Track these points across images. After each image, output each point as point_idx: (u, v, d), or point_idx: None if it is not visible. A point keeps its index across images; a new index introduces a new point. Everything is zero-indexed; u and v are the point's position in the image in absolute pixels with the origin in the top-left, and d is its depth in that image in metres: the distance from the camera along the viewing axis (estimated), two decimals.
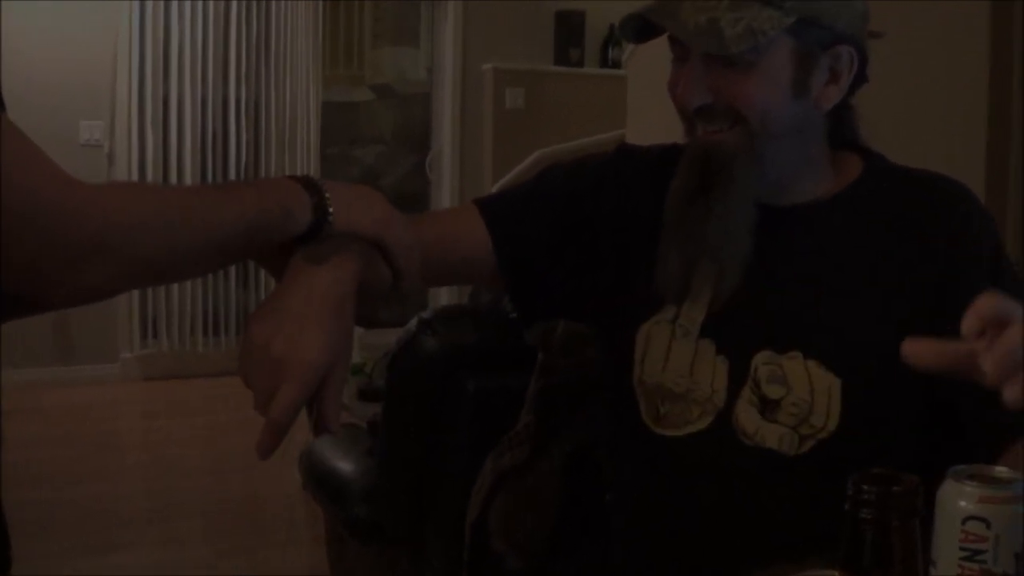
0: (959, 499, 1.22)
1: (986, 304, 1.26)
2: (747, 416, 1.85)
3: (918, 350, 1.35)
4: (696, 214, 1.84)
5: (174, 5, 8.48)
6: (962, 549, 1.21)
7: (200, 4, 8.55)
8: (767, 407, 1.85)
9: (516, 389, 2.43)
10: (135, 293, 8.32)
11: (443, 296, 8.86)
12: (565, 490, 2.34)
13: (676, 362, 1.90)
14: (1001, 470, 1.25)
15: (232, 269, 8.69)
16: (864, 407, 1.83)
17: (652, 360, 1.92)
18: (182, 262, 1.44)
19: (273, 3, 8.82)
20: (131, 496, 6.04)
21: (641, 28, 1.84)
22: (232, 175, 8.78)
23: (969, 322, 1.24)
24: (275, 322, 1.49)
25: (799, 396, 1.83)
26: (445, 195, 9.88)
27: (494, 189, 9.05)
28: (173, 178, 8.56)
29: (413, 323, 2.87)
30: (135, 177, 8.40)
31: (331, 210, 1.53)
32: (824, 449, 1.82)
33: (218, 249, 1.46)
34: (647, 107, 7.17)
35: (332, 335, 1.49)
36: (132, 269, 1.37)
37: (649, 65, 7.01)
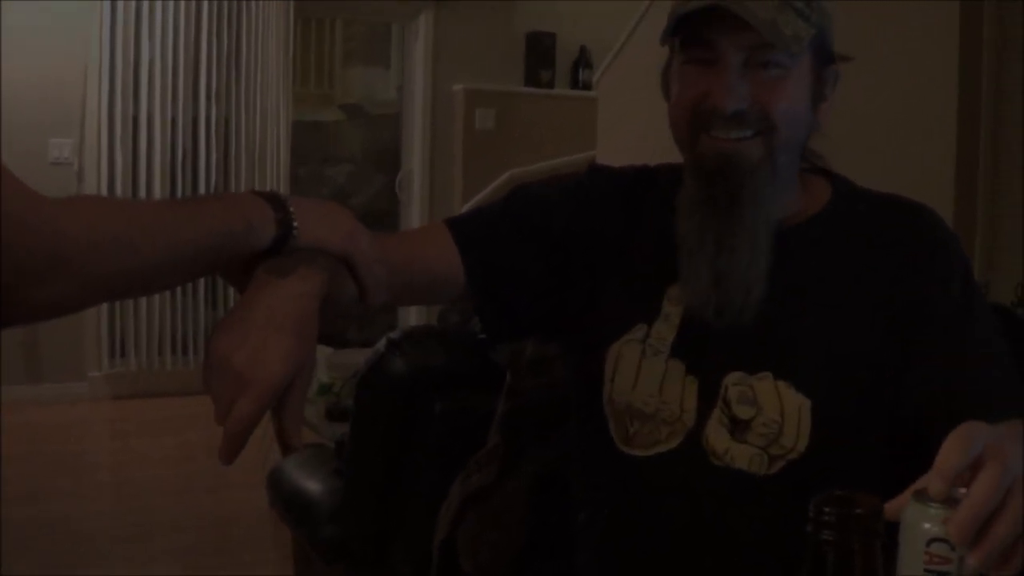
0: (923, 521, 1.22)
1: (947, 463, 1.23)
2: (717, 436, 1.85)
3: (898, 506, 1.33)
4: (723, 224, 1.83)
5: (144, 23, 8.47)
6: (926, 571, 1.21)
7: (171, 22, 8.53)
8: (737, 427, 1.84)
9: (484, 410, 2.43)
10: (103, 311, 8.30)
11: (412, 317, 8.86)
12: (533, 511, 2.34)
13: (646, 382, 1.90)
14: (965, 492, 1.25)
15: (200, 287, 8.68)
16: (834, 429, 1.83)
17: (622, 379, 1.92)
18: (145, 277, 1.44)
19: (244, 22, 8.81)
20: (99, 515, 6.01)
21: (692, 27, 1.80)
22: (202, 194, 8.73)
23: (936, 487, 1.23)
24: (238, 334, 1.47)
25: (769, 417, 1.83)
26: (415, 215, 9.88)
27: (464, 210, 9.05)
28: (143, 196, 8.50)
29: (381, 344, 2.87)
30: (104, 195, 8.37)
31: (296, 224, 1.53)
32: (794, 470, 1.82)
33: (182, 264, 1.45)
34: (617, 128, 7.19)
35: (294, 348, 1.47)
36: (94, 284, 1.37)
37: (619, 87, 7.04)
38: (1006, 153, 5.17)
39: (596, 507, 2.04)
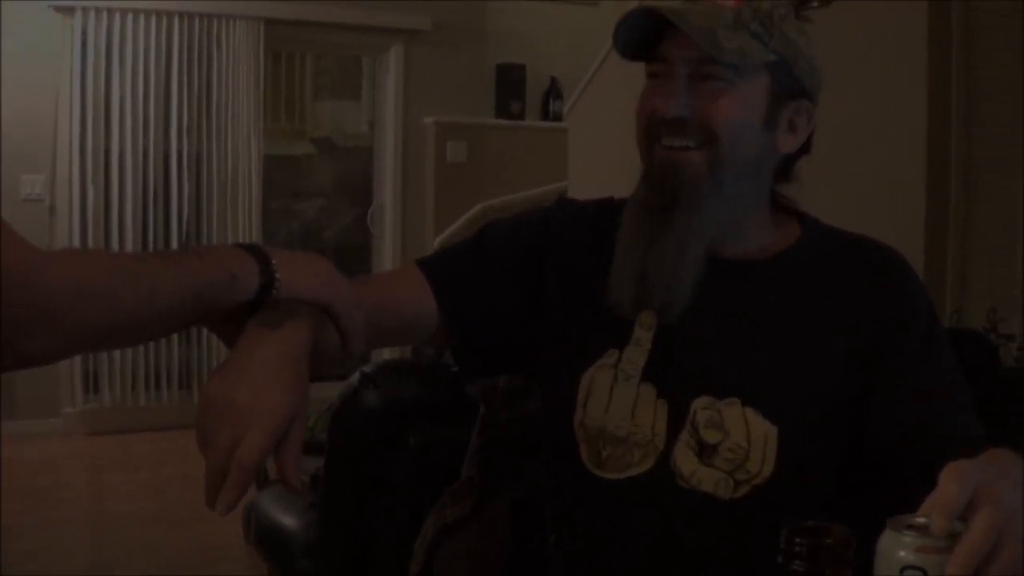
0: (898, 549, 1.24)
1: (947, 500, 1.25)
2: (685, 459, 1.88)
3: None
4: (657, 226, 1.88)
5: (115, 58, 8.48)
6: None
7: (141, 57, 8.55)
8: (704, 451, 1.87)
9: (458, 443, 2.43)
10: None
11: (385, 350, 8.85)
12: (508, 542, 2.34)
13: (618, 406, 1.93)
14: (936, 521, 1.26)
15: None
16: (799, 455, 1.86)
17: (595, 404, 1.94)
18: (129, 329, 1.45)
19: (215, 56, 8.82)
20: (72, 550, 5.99)
21: (637, 43, 1.90)
22: (174, 228, 8.76)
23: (939, 524, 1.24)
24: (236, 377, 1.51)
25: (735, 442, 1.85)
26: (387, 248, 9.88)
27: (436, 242, 9.09)
28: (115, 231, 8.55)
29: (355, 377, 2.86)
30: (76, 230, 8.39)
31: (278, 276, 1.56)
32: (759, 495, 1.85)
33: (165, 315, 1.47)
34: (588, 159, 7.21)
35: (292, 388, 1.52)
36: (78, 336, 1.38)
37: (590, 117, 7.05)
38: (977, 179, 5.20)
39: (569, 529, 2.06)
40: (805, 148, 1.99)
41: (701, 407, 1.88)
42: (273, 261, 1.56)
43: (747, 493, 1.85)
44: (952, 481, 1.28)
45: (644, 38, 1.89)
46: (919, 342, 1.90)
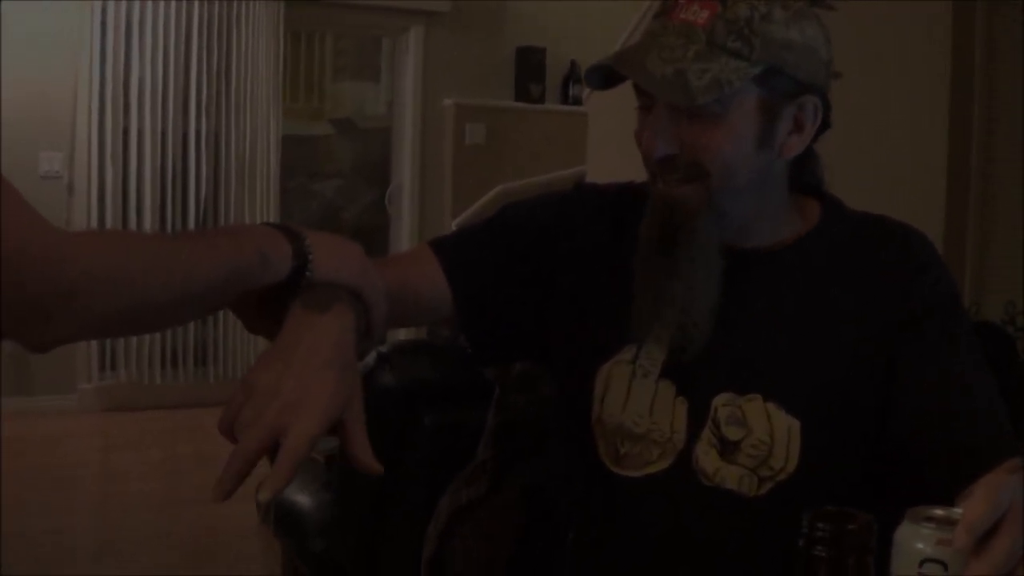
0: (916, 541, 1.23)
1: (976, 519, 1.23)
2: (707, 457, 1.85)
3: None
4: (663, 269, 1.84)
5: (135, 37, 8.47)
6: None
7: (161, 36, 8.54)
8: (727, 448, 1.84)
9: (474, 424, 2.43)
10: None
11: (401, 330, 8.85)
12: (522, 526, 2.33)
13: (636, 402, 1.90)
14: (958, 512, 1.25)
15: None
16: (823, 449, 1.83)
17: (612, 400, 1.92)
18: (156, 312, 1.43)
19: (234, 36, 8.81)
20: (86, 528, 6.01)
21: (607, 76, 1.83)
22: (192, 207, 8.77)
23: (962, 541, 1.23)
24: (283, 366, 1.47)
25: (758, 438, 1.83)
26: (405, 230, 9.89)
27: (454, 226, 9.06)
28: (133, 209, 8.56)
29: (371, 358, 2.86)
30: (94, 209, 8.40)
31: (311, 257, 1.53)
32: (783, 490, 1.82)
33: (195, 299, 1.45)
34: (608, 144, 7.19)
35: (342, 379, 1.49)
36: (105, 319, 1.36)
37: (610, 102, 7.02)
38: (997, 171, 5.17)
39: (584, 523, 2.03)
40: (824, 126, 1.90)
41: (722, 404, 1.85)
42: (307, 242, 1.53)
43: (771, 489, 1.83)
44: (983, 500, 1.26)
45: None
46: (941, 328, 1.85)
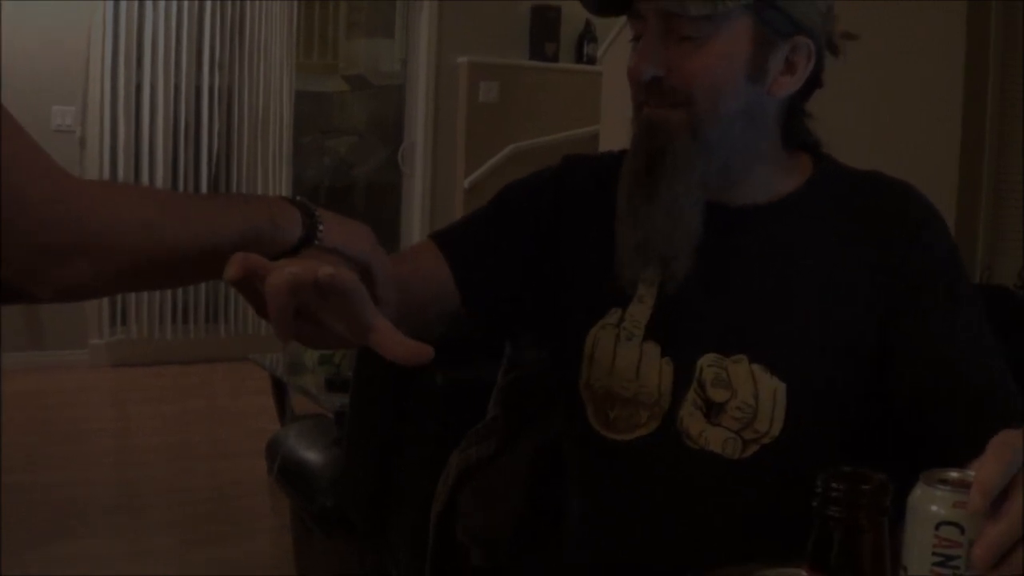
0: (931, 504, 1.21)
1: (988, 480, 1.20)
2: (692, 419, 1.84)
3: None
4: (643, 196, 1.82)
5: None
6: (935, 554, 1.20)
7: None
8: (712, 410, 1.83)
9: (484, 382, 2.42)
10: None
11: None
12: (531, 485, 2.33)
13: (622, 366, 1.89)
14: (973, 475, 1.24)
15: None
16: (808, 413, 1.81)
17: (599, 365, 1.91)
18: (170, 266, 1.42)
19: None
20: (96, 483, 6.02)
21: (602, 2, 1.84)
22: (204, 163, 8.77)
23: (976, 502, 1.20)
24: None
25: (743, 400, 1.81)
26: (417, 187, 9.88)
27: (466, 182, 9.07)
28: (145, 164, 8.55)
29: None
30: (106, 163, 8.40)
31: (321, 227, 1.52)
32: (767, 454, 1.81)
33: (209, 256, 1.42)
34: (621, 103, 7.16)
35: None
36: (122, 269, 1.36)
37: (624, 61, 6.99)
38: (1010, 138, 5.16)
39: (579, 487, 2.04)
40: (815, 83, 1.88)
41: (707, 365, 1.84)
42: (317, 214, 1.53)
43: (755, 452, 1.81)
44: (995, 459, 1.23)
45: None
46: (939, 289, 1.82)
